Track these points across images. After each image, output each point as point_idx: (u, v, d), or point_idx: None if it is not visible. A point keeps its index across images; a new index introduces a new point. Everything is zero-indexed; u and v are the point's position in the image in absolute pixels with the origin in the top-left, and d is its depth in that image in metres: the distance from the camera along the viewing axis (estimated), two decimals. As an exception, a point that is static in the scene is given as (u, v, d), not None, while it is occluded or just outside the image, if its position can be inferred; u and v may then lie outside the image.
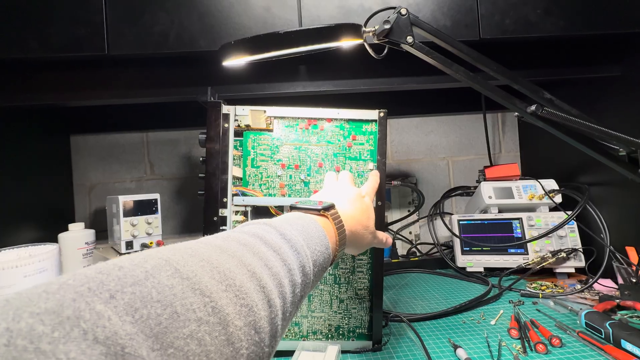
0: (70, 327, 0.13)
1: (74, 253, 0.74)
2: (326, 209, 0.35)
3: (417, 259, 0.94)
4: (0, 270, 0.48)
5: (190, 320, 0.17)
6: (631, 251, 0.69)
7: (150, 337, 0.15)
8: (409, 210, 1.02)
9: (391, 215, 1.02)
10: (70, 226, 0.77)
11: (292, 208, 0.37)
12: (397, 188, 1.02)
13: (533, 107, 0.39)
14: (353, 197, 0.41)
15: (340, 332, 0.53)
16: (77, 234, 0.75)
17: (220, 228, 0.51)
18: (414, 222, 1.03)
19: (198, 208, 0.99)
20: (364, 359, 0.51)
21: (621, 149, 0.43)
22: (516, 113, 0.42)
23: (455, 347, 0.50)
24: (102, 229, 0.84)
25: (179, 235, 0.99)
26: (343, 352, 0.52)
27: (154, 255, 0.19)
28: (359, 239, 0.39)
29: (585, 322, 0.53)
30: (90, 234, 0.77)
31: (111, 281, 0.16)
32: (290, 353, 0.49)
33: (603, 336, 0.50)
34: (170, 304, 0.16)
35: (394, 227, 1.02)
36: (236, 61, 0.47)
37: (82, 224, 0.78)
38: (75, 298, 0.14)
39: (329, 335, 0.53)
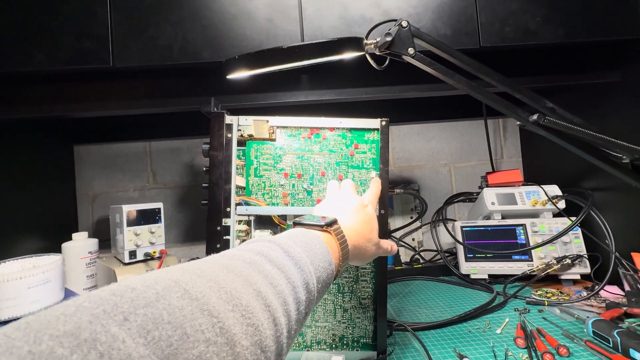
0: (87, 350, 0.14)
1: (78, 262, 0.74)
2: (329, 225, 0.35)
3: (420, 266, 0.93)
4: (5, 282, 0.48)
5: (199, 341, 0.17)
6: (637, 257, 0.68)
7: (162, 359, 0.15)
8: (411, 217, 1.02)
9: (394, 222, 1.02)
10: (74, 235, 0.77)
11: (296, 224, 0.37)
12: (399, 195, 1.02)
13: (535, 117, 0.39)
14: (356, 207, 0.41)
15: (345, 342, 0.53)
16: (81, 244, 0.75)
17: (224, 238, 0.51)
18: (416, 229, 1.03)
19: (201, 216, 0.99)
20: (368, 369, 0.50)
21: (624, 157, 0.43)
22: (518, 122, 0.43)
23: (461, 357, 0.50)
24: (104, 238, 0.85)
25: (182, 243, 0.99)
26: (347, 362, 0.52)
27: (164, 276, 0.20)
28: (362, 251, 0.39)
29: (593, 331, 0.52)
30: (93, 243, 0.77)
31: (124, 303, 0.16)
32: (295, 364, 0.49)
33: (611, 345, 0.49)
34: (180, 325, 0.17)
35: (397, 234, 1.01)
36: (240, 75, 0.48)
37: (85, 234, 0.78)
38: (92, 320, 0.15)
39: (333, 345, 0.53)
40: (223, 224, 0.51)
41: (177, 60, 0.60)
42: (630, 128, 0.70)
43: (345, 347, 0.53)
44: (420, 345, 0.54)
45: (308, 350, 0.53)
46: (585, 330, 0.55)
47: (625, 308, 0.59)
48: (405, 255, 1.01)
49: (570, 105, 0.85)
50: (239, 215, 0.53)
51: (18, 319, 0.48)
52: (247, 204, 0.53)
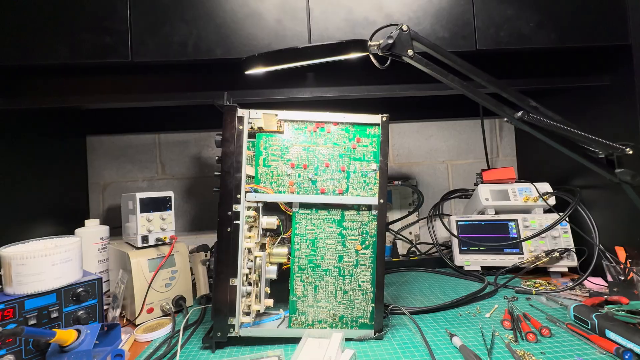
0: None
1: (90, 248, 0.78)
2: None
3: (416, 258, 0.98)
4: (32, 258, 0.51)
5: None
6: (620, 250, 0.72)
7: None
8: (409, 212, 1.06)
9: (392, 215, 1.06)
10: (87, 222, 0.81)
11: None
12: (397, 189, 1.07)
13: (519, 114, 0.43)
14: None
15: (344, 321, 0.57)
16: (93, 230, 0.79)
17: (234, 222, 0.55)
18: (414, 223, 1.07)
19: (207, 207, 1.04)
20: (366, 345, 0.54)
21: (600, 152, 0.47)
22: (505, 118, 0.47)
23: (452, 335, 0.54)
24: (113, 225, 0.88)
25: (188, 232, 1.03)
26: (346, 339, 0.56)
27: None
28: None
29: (574, 315, 0.57)
30: (105, 229, 0.81)
31: None
32: (297, 340, 0.52)
33: (589, 327, 0.53)
34: None
35: (395, 227, 1.06)
36: (257, 71, 0.52)
37: (97, 220, 0.82)
38: None
39: (334, 324, 0.57)
40: (233, 209, 0.55)
41: (191, 56, 0.64)
42: (619, 128, 0.74)
43: (344, 325, 0.57)
44: (414, 325, 0.58)
45: (310, 328, 0.57)
46: (567, 315, 0.59)
47: (606, 296, 0.63)
48: (402, 248, 1.05)
49: (563, 107, 0.89)
50: (248, 201, 0.57)
51: (44, 293, 0.51)
52: (256, 191, 0.57)
